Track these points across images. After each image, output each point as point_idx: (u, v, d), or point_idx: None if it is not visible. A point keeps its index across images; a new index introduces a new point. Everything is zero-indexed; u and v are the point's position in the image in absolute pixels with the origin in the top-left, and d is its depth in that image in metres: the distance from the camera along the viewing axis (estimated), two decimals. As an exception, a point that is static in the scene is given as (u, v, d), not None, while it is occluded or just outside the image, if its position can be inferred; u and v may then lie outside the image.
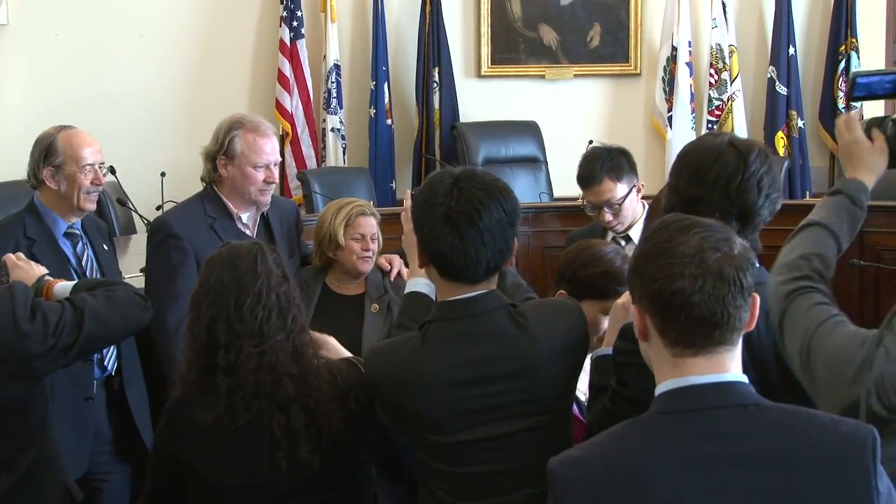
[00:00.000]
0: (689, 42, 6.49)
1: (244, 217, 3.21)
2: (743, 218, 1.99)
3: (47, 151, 2.95)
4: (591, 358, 2.21)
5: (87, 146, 2.98)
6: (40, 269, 2.59)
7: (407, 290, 2.28)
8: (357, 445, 2.21)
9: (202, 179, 3.24)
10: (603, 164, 3.33)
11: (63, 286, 2.49)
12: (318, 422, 2.13)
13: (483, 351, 1.96)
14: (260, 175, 3.14)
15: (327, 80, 6.27)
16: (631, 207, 3.36)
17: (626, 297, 2.19)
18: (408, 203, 2.27)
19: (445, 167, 2.34)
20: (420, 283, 2.22)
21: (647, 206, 3.41)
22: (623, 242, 3.38)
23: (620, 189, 3.32)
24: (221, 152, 3.15)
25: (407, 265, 2.83)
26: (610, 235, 3.42)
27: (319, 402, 2.13)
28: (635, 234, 3.36)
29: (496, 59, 6.59)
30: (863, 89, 2.07)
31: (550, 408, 1.98)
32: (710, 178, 1.98)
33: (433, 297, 2.14)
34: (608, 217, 3.34)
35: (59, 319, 2.26)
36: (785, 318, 1.86)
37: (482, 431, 1.95)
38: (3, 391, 2.22)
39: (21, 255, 2.66)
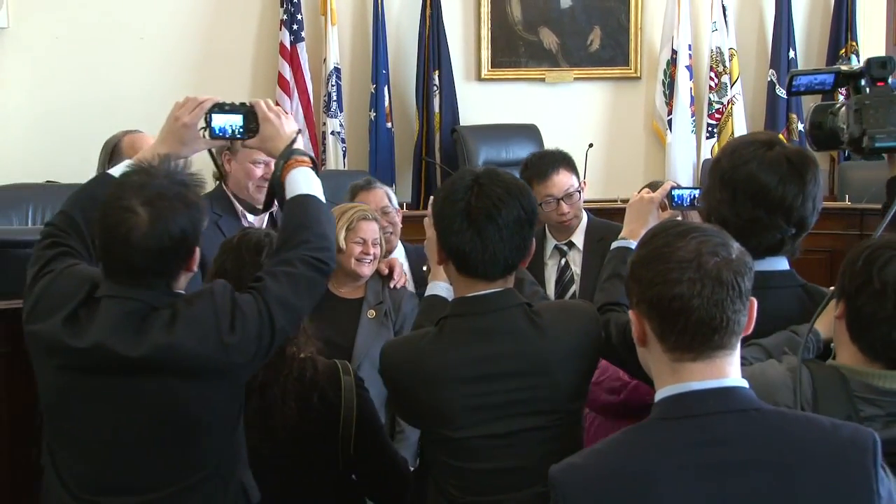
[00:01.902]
0: (690, 45, 6.49)
1: (250, 216, 3.28)
2: (797, 232, 2.05)
3: (112, 153, 3.02)
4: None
5: None
6: (291, 128, 2.28)
7: (427, 293, 2.30)
8: (316, 440, 2.24)
9: (214, 176, 3.32)
10: (555, 157, 3.42)
11: (297, 184, 2.18)
12: (272, 411, 2.16)
13: (497, 348, 1.97)
14: (258, 171, 3.23)
15: (327, 83, 6.27)
16: (580, 204, 3.42)
17: (658, 192, 2.34)
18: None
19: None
20: (440, 286, 2.24)
21: (587, 214, 3.46)
22: (566, 248, 3.41)
23: (574, 181, 3.39)
24: (226, 147, 3.22)
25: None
26: (551, 244, 3.44)
27: (278, 393, 2.17)
28: (578, 239, 3.41)
29: (496, 63, 6.58)
30: (799, 87, 2.30)
31: (561, 408, 1.99)
32: (775, 201, 2.01)
33: None
34: (565, 209, 3.35)
35: (258, 324, 2.02)
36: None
37: (492, 428, 1.96)
38: (211, 401, 2.01)
39: (273, 104, 2.34)
